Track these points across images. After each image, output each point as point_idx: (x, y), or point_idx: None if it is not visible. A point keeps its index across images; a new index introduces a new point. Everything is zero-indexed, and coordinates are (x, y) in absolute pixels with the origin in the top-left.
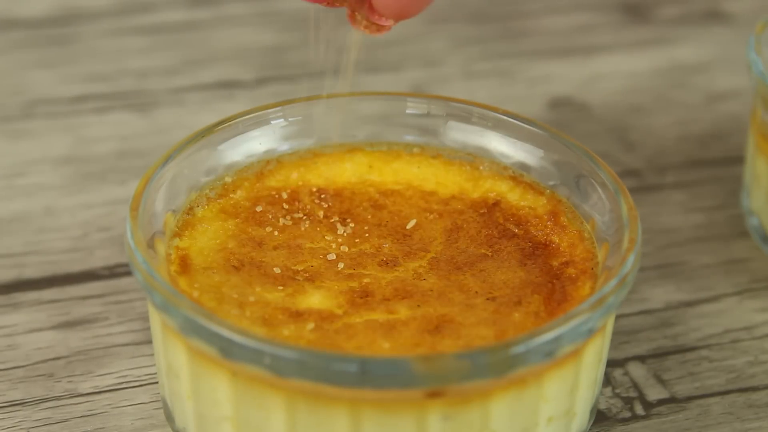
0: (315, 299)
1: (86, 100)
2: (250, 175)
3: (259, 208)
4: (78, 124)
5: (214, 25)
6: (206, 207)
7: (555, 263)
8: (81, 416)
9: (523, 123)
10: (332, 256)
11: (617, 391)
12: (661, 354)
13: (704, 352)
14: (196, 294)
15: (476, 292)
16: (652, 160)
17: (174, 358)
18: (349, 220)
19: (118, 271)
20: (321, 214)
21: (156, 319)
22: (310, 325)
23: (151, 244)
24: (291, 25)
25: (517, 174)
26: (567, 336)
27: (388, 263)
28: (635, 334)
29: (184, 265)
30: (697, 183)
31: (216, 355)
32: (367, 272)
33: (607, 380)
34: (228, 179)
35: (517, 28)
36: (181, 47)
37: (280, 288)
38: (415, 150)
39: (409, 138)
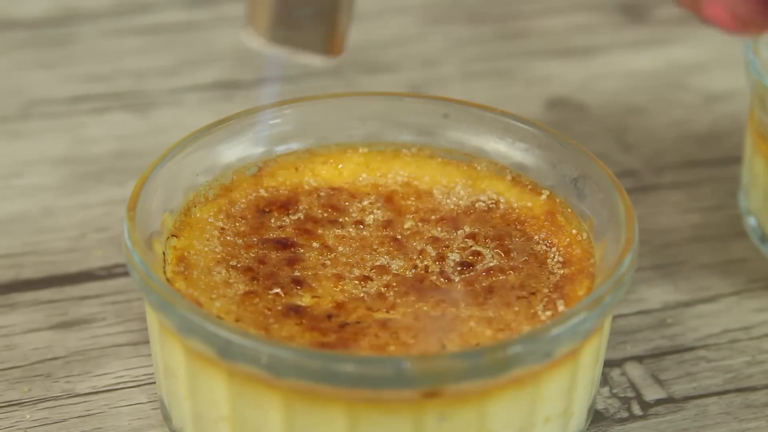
0: (312, 299)
1: (84, 101)
2: (247, 175)
3: (256, 209)
4: (76, 124)
5: (213, 25)
6: (203, 207)
7: (552, 263)
8: (78, 416)
9: (521, 123)
10: (330, 256)
11: (615, 391)
12: (658, 354)
13: (702, 353)
14: (193, 294)
15: (473, 292)
16: (650, 161)
17: (171, 358)
18: (346, 220)
19: (116, 271)
20: (318, 214)
21: (153, 319)
22: (308, 325)
23: (148, 245)
24: None
25: (515, 174)
26: (564, 336)
27: (386, 263)
28: (633, 334)
29: (182, 265)
30: (695, 183)
31: (213, 355)
32: (365, 272)
33: (605, 380)
34: (225, 179)
35: (515, 28)
36: (179, 47)
37: (278, 288)
38: (413, 150)
39: (407, 138)
